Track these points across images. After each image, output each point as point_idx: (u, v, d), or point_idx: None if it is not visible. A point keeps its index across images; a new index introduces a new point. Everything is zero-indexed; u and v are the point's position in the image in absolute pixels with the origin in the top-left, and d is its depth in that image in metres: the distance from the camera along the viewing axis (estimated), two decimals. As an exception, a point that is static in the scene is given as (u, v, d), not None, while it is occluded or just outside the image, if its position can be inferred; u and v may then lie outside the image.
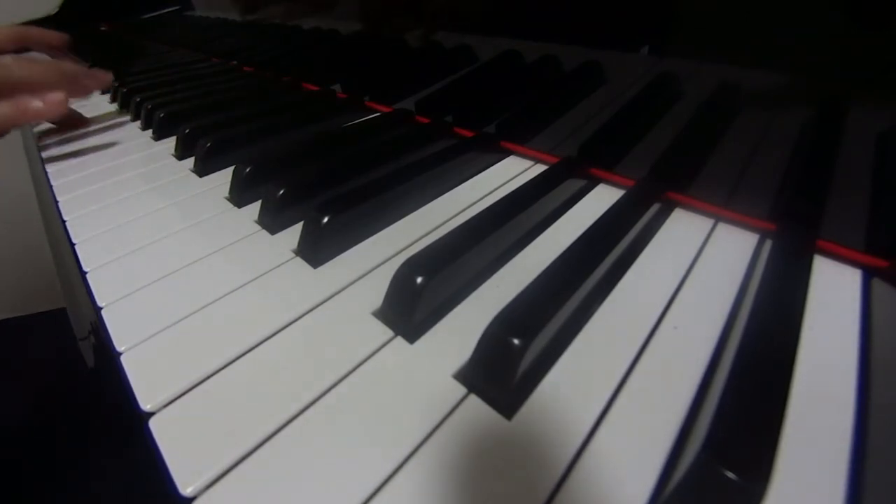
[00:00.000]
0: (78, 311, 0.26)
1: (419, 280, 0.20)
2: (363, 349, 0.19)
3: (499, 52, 0.36)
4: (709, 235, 0.25)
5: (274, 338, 0.20)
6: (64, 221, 0.31)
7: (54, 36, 0.73)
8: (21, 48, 0.69)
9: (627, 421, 0.16)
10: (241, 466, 0.15)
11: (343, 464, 0.15)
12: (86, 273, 0.25)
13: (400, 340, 0.20)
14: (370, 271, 0.24)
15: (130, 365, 0.19)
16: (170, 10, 1.06)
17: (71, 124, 0.49)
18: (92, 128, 0.49)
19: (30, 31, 0.71)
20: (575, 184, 0.30)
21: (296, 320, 0.21)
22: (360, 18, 0.48)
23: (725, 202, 0.26)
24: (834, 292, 0.21)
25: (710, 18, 0.24)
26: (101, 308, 0.22)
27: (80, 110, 0.51)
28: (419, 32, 0.42)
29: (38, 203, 0.41)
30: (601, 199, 0.30)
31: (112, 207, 0.32)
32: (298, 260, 0.25)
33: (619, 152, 0.30)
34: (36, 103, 0.40)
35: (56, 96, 0.40)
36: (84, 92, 0.47)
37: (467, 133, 0.38)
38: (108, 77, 0.50)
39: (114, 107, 0.56)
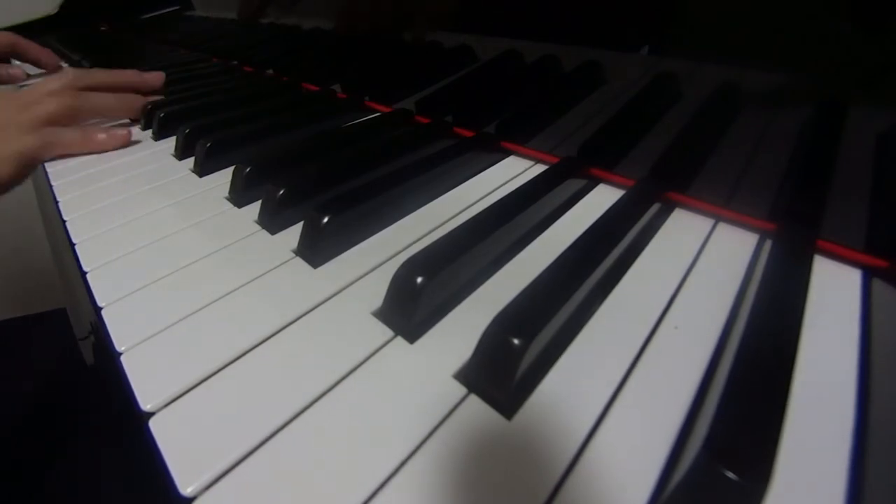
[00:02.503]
0: (78, 312, 0.26)
1: (419, 280, 0.20)
2: (363, 349, 0.19)
3: (499, 52, 0.36)
4: (709, 235, 0.25)
5: (274, 338, 0.20)
6: (64, 221, 0.31)
7: (47, 55, 0.76)
8: (11, 55, 0.71)
9: (627, 421, 0.16)
10: (241, 466, 0.15)
11: (343, 463, 0.15)
12: (86, 273, 0.25)
13: (400, 340, 0.20)
14: (370, 271, 0.24)
15: (130, 365, 0.19)
16: (170, 10, 1.05)
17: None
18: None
19: (25, 43, 0.73)
20: (575, 184, 0.30)
21: (296, 320, 0.21)
22: (361, 18, 0.48)
23: (725, 202, 0.26)
24: (834, 292, 0.21)
25: (710, 18, 0.24)
26: (101, 308, 0.22)
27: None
28: (419, 32, 0.42)
29: (38, 203, 0.41)
30: (601, 199, 0.30)
31: (112, 207, 0.32)
32: (298, 260, 0.25)
33: (620, 152, 0.30)
34: (101, 136, 0.41)
35: (122, 133, 0.43)
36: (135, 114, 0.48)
37: (467, 133, 0.38)
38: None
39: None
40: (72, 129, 0.41)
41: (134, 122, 0.48)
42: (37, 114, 0.40)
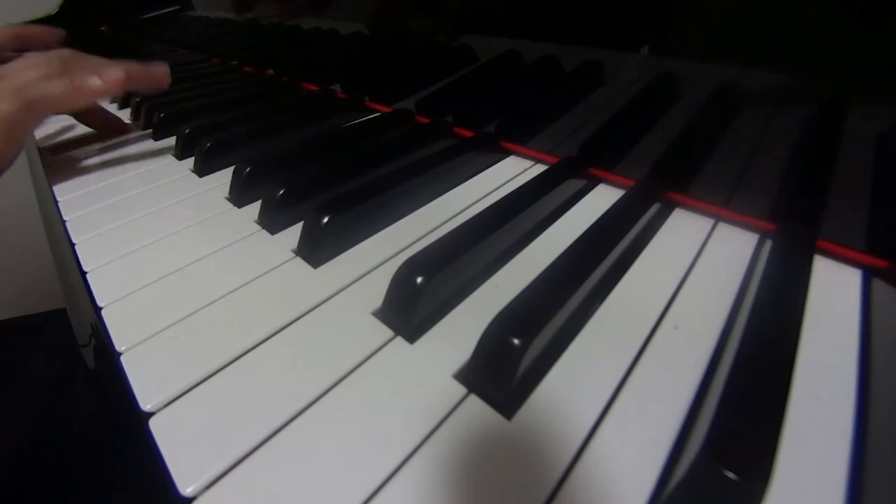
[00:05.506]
0: (78, 312, 0.26)
1: (419, 280, 0.20)
2: (363, 349, 0.19)
3: (499, 52, 0.36)
4: (709, 235, 0.25)
5: (274, 338, 0.20)
6: (64, 221, 0.31)
7: (51, 33, 0.72)
8: (20, 49, 0.70)
9: (627, 421, 0.16)
10: (241, 466, 0.15)
11: (343, 463, 0.15)
12: (86, 273, 0.25)
13: (400, 340, 0.20)
14: (370, 271, 0.24)
15: (130, 365, 0.19)
16: (170, 10, 1.05)
17: (116, 128, 0.46)
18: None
19: (27, 29, 0.71)
20: (575, 184, 0.30)
21: (296, 320, 0.21)
22: (360, 18, 0.48)
23: (725, 202, 0.26)
24: (834, 292, 0.21)
25: (710, 18, 0.24)
26: (101, 308, 0.22)
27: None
28: (420, 33, 0.42)
29: (38, 203, 0.41)
30: (601, 199, 0.30)
31: (112, 207, 0.32)
32: (298, 260, 0.25)
33: (620, 152, 0.30)
34: (93, 80, 0.36)
35: (115, 72, 0.37)
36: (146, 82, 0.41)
37: (467, 133, 0.38)
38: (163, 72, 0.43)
39: (113, 107, 0.56)
40: (55, 80, 0.35)
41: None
42: (11, 83, 0.34)
